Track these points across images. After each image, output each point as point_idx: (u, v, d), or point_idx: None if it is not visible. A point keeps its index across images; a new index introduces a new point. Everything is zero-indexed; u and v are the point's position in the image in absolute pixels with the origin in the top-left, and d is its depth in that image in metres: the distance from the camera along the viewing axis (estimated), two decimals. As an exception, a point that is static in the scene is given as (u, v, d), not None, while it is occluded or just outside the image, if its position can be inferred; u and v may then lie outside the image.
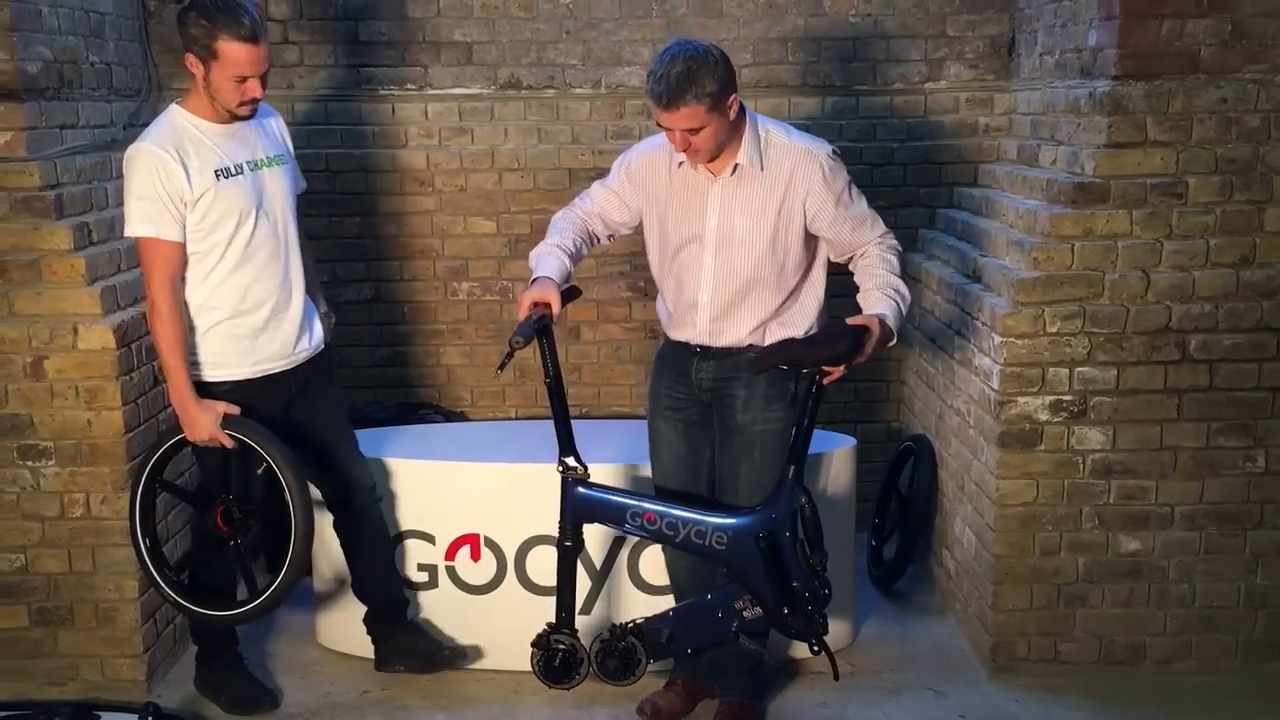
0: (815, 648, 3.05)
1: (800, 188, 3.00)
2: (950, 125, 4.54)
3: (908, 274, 4.45)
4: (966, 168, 4.51)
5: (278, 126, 3.34)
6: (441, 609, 3.64)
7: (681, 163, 3.05)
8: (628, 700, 3.42)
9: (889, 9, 4.46)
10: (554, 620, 3.16)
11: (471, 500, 3.59)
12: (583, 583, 3.40)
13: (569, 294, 3.14)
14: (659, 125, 2.92)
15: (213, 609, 3.27)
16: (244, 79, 3.01)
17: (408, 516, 3.62)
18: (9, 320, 3.33)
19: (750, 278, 3.05)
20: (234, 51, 2.96)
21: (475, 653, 3.62)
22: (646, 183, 3.14)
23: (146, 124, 4.31)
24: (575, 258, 3.16)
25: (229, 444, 3.11)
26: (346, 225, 4.57)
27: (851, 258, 3.10)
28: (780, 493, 2.99)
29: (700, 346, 3.16)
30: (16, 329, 3.31)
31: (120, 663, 3.50)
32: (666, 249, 3.14)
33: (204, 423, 3.08)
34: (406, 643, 3.54)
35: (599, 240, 3.29)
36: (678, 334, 3.21)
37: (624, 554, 3.58)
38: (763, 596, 3.01)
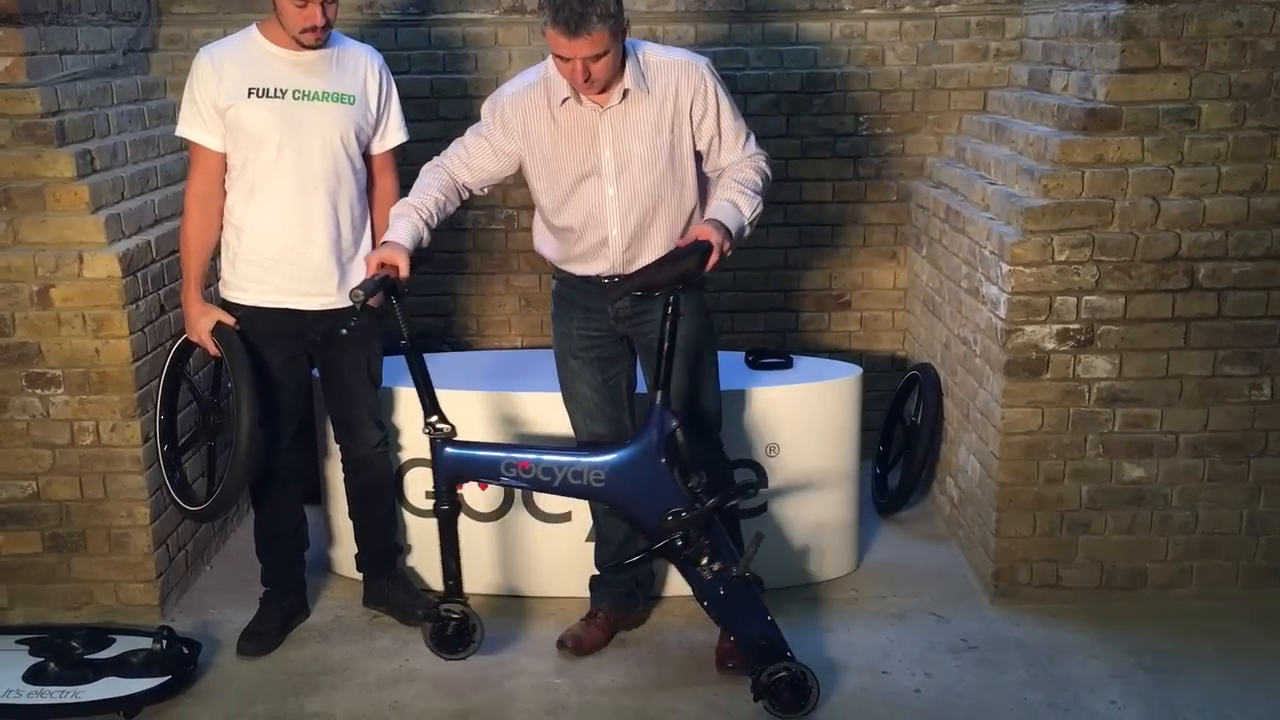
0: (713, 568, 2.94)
1: (685, 99, 2.97)
2: (960, 50, 4.47)
3: (915, 202, 4.47)
4: (976, 94, 4.45)
5: (366, 68, 3.23)
6: (450, 535, 3.67)
7: (565, 99, 2.97)
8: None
9: (900, -71, 4.38)
10: (442, 590, 3.12)
11: (478, 429, 3.59)
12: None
13: (421, 258, 3.03)
14: (558, 58, 2.83)
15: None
16: (304, 4, 3.01)
17: (415, 445, 3.63)
18: (14, 249, 3.33)
19: (655, 199, 3.02)
20: None
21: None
22: (524, 127, 3.04)
23: (146, 50, 4.33)
24: (438, 215, 3.07)
25: (214, 351, 3.21)
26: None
27: (720, 173, 3.06)
28: (650, 420, 2.93)
29: (612, 278, 3.11)
30: (22, 257, 3.30)
31: (134, 588, 3.55)
32: (559, 189, 3.06)
33: (197, 325, 3.21)
34: (389, 591, 3.59)
35: (469, 192, 3.18)
36: (585, 269, 3.14)
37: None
38: (648, 527, 2.97)
